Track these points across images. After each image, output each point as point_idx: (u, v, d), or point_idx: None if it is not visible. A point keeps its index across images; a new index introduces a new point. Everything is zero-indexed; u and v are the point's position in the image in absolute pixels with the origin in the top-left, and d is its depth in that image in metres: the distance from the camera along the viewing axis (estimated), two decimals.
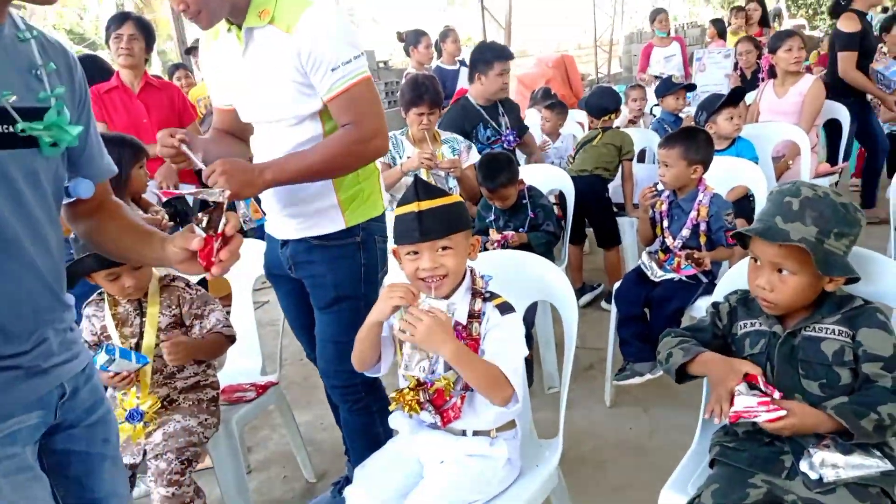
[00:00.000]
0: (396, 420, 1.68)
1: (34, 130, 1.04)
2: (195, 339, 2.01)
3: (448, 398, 1.55)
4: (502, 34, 12.07)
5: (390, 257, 1.82)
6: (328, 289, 1.89)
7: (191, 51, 4.42)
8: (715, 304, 1.64)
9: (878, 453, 1.33)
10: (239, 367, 2.42)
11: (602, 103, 3.95)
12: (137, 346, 1.97)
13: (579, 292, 3.82)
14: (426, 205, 1.50)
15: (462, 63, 5.72)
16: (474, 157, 3.30)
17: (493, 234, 2.98)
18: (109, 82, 3.38)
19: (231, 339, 2.07)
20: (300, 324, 2.10)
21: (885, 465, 1.30)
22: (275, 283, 2.14)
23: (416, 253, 1.52)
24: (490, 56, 3.61)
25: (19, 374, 1.08)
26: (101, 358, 1.80)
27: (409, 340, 1.45)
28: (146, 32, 3.38)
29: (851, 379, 1.39)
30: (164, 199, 2.93)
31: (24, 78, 1.06)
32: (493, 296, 1.60)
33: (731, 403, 1.35)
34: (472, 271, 1.62)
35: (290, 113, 1.76)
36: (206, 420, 1.97)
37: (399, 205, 1.57)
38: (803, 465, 1.31)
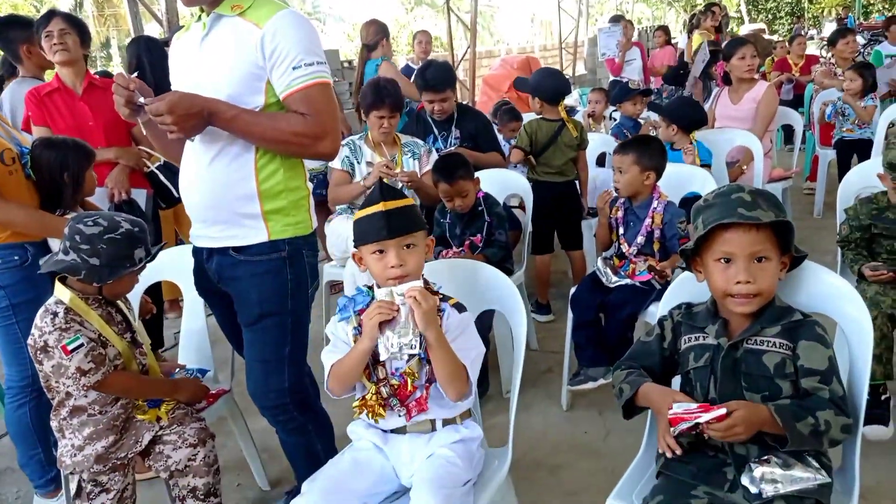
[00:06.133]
0: (356, 432, 1.68)
1: None
2: None
3: (412, 390, 1.58)
4: (469, 35, 12.09)
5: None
6: (252, 305, 1.85)
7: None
8: (660, 322, 1.65)
9: (816, 464, 1.36)
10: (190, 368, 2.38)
11: (558, 85, 3.58)
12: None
13: (546, 308, 3.69)
14: (392, 204, 1.58)
15: None
16: (433, 161, 3.30)
17: (452, 251, 2.99)
18: (50, 84, 3.13)
19: None
20: (237, 340, 2.04)
21: (823, 478, 1.33)
22: (207, 299, 2.11)
23: (382, 251, 1.59)
24: (419, 84, 3.65)
25: None
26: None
27: (418, 310, 1.48)
28: (78, 27, 3.14)
29: (792, 391, 1.42)
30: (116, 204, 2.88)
31: None
32: (446, 297, 1.65)
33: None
34: (422, 275, 1.65)
35: (234, 102, 1.72)
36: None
37: (362, 207, 1.63)
38: (744, 480, 1.34)
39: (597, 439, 2.55)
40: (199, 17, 1.80)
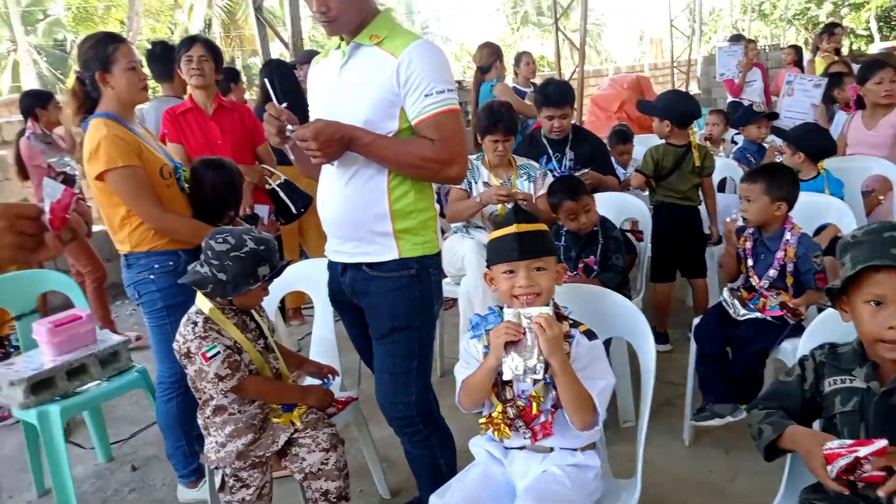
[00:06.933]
0: (478, 445, 1.73)
1: None
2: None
3: (537, 414, 1.61)
4: (576, 54, 12.06)
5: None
6: (384, 319, 1.94)
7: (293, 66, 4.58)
8: (801, 362, 1.59)
9: None
10: (318, 382, 2.51)
11: (689, 109, 3.48)
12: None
13: (663, 337, 3.57)
14: (525, 227, 1.65)
15: (534, 85, 5.79)
16: (549, 184, 3.32)
17: (567, 275, 2.99)
18: (184, 103, 3.42)
19: None
20: (366, 351, 2.15)
21: None
22: (339, 310, 2.21)
23: (512, 272, 1.64)
24: (539, 100, 3.68)
25: None
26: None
27: (542, 336, 1.52)
28: (214, 53, 3.43)
29: None
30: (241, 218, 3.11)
31: None
32: (576, 322, 1.68)
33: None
34: (553, 299, 1.69)
35: (370, 127, 1.83)
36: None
37: (496, 228, 1.70)
38: None
39: (723, 479, 2.45)
40: (339, 45, 1.92)
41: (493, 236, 1.72)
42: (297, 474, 2.07)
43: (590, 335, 1.66)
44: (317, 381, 2.35)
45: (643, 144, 4.89)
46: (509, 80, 6.17)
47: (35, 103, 4.18)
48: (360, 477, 2.65)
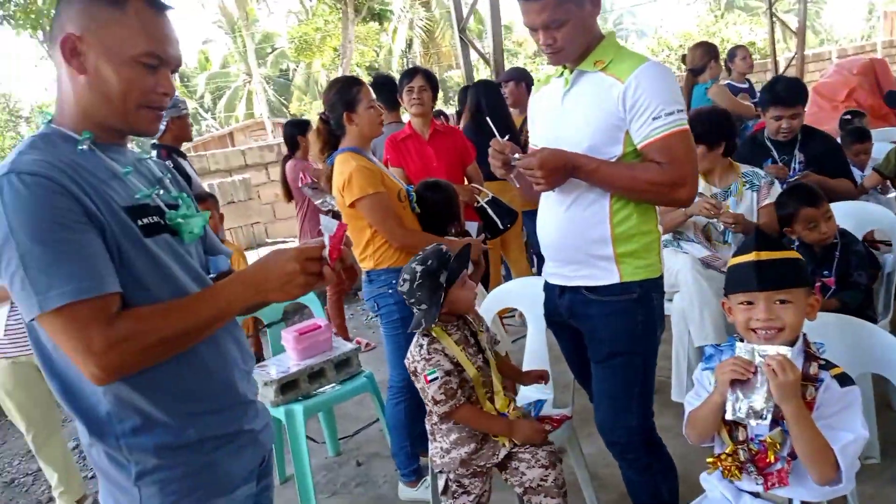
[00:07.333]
0: (710, 482, 1.66)
1: (177, 218, 1.27)
2: None
3: (772, 461, 1.50)
4: (789, 38, 10.97)
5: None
6: (603, 343, 1.92)
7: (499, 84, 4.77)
8: None
9: None
10: (531, 398, 2.56)
11: None
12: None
13: None
14: (766, 255, 1.52)
15: (748, 81, 5.39)
16: (775, 194, 3.07)
17: None
18: (404, 130, 3.68)
19: None
20: (581, 371, 2.14)
21: None
22: (555, 331, 2.23)
23: (750, 303, 1.53)
24: (766, 99, 3.39)
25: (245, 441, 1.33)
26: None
27: (773, 380, 1.41)
28: (432, 83, 3.67)
29: None
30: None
31: (153, 185, 1.30)
32: (829, 364, 1.52)
33: None
34: (804, 335, 1.56)
35: (593, 152, 1.82)
36: None
37: (735, 254, 1.61)
38: None
39: None
40: (562, 72, 1.94)
41: (731, 263, 1.62)
42: (517, 487, 2.13)
43: (843, 380, 1.49)
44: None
45: (883, 140, 4.35)
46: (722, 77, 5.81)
47: (296, 132, 4.76)
48: (570, 494, 2.65)
